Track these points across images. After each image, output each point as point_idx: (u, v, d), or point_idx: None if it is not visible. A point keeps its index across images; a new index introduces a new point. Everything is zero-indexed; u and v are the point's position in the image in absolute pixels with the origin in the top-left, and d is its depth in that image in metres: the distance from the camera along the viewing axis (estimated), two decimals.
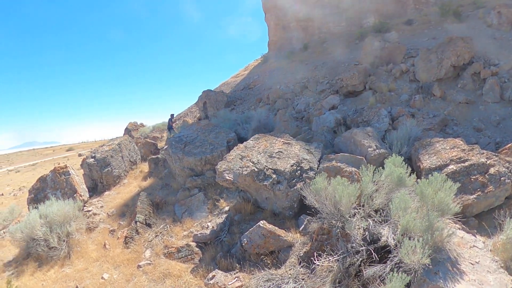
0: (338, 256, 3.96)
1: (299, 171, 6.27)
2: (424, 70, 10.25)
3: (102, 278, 5.34)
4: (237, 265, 4.89)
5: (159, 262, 5.55)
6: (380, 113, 8.77)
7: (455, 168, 5.54)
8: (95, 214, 7.92)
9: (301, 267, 4.33)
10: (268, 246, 4.96)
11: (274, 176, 6.07)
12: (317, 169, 6.37)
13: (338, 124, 9.20)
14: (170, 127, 15.01)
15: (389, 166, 4.77)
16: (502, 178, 5.15)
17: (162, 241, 6.21)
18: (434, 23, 14.47)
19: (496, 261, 3.54)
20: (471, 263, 3.41)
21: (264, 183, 5.96)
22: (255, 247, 4.97)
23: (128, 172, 11.11)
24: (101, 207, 8.49)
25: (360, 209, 4.33)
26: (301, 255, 4.60)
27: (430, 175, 4.26)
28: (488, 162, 5.45)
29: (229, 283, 4.48)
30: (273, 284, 4.11)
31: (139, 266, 5.51)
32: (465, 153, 5.79)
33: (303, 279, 4.06)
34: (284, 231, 5.23)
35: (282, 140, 7.30)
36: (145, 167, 11.49)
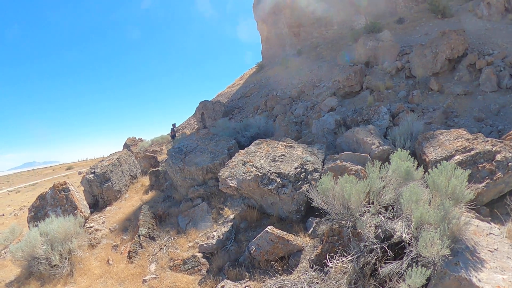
0: (352, 256, 3.81)
1: (303, 173, 6.15)
2: (419, 65, 10.24)
3: None
4: (247, 273, 4.72)
5: (165, 275, 5.37)
6: (379, 110, 8.70)
7: (461, 158, 5.43)
8: (97, 230, 7.73)
9: (314, 270, 4.17)
10: (277, 252, 4.80)
11: (278, 179, 5.94)
12: (322, 170, 6.25)
13: (338, 125, 9.12)
14: (173, 136, 14.99)
15: (395, 161, 4.67)
16: (509, 164, 5.04)
17: (167, 254, 6.03)
18: (425, 19, 14.61)
19: None
20: (490, 251, 3.28)
21: (269, 188, 5.82)
22: (264, 253, 4.80)
23: (128, 186, 10.95)
24: (103, 222, 8.30)
25: (369, 206, 4.20)
26: (312, 258, 4.44)
27: (435, 167, 4.15)
28: (494, 149, 5.34)
29: None
30: None
31: (144, 281, 5.32)
32: (469, 142, 5.69)
33: (317, 283, 3.89)
34: (292, 235, 5.08)
35: (284, 143, 7.20)
36: (145, 180, 11.34)
